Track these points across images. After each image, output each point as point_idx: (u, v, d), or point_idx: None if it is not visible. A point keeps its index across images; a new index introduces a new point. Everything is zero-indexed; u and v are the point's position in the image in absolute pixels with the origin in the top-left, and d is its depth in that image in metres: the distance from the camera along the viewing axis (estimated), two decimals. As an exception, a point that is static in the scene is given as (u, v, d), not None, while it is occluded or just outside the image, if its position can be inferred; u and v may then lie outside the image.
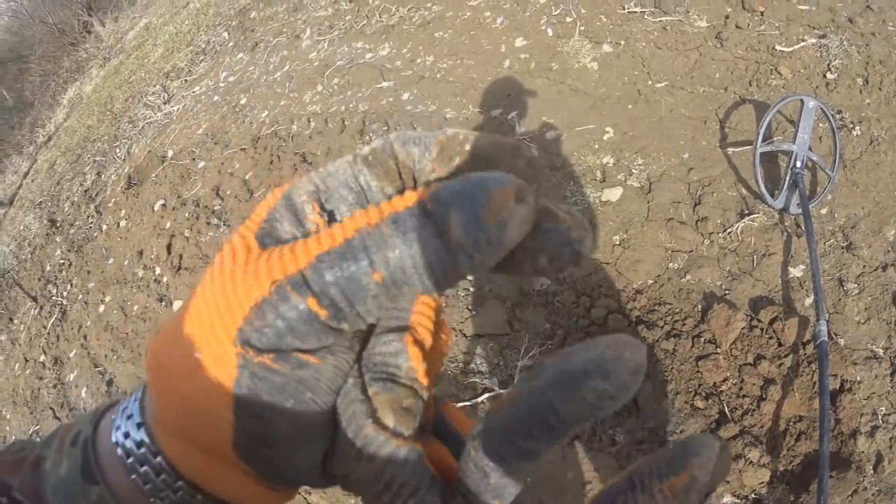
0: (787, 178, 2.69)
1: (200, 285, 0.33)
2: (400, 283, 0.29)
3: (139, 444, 0.36)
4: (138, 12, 10.52)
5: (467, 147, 0.32)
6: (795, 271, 2.57)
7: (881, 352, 2.36)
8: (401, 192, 0.33)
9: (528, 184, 0.28)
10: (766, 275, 2.58)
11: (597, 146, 3.12)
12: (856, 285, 2.50)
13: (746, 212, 2.73)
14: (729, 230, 2.70)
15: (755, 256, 2.63)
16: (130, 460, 0.36)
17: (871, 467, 2.13)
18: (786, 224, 2.70)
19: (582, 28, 3.66)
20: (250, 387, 0.31)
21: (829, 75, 3.14)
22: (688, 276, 2.63)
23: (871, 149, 2.82)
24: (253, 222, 0.34)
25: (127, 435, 0.37)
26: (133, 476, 0.36)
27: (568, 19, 3.71)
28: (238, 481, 0.36)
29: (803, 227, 2.54)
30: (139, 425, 0.37)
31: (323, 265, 0.29)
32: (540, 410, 0.29)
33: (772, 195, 2.71)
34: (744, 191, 2.81)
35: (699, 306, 2.55)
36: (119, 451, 0.37)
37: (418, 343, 0.35)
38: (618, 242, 2.79)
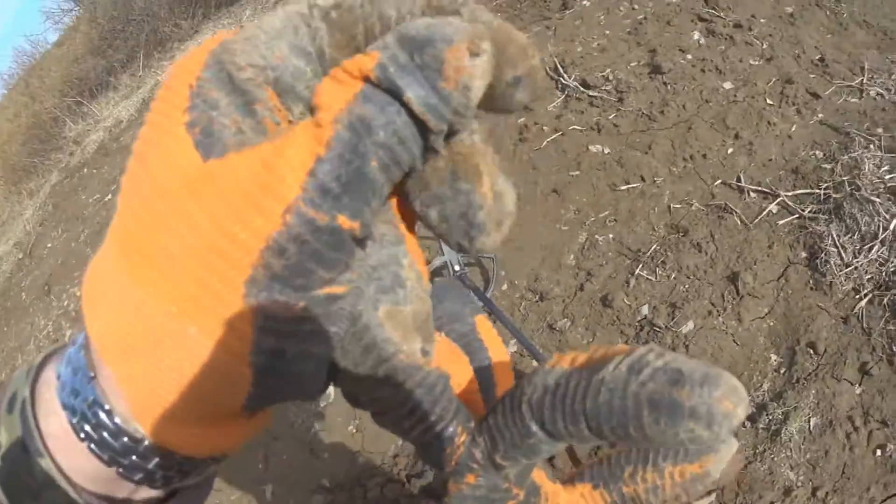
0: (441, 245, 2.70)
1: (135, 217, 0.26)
2: (397, 160, 0.25)
3: (92, 404, 0.29)
4: None
5: (465, 15, 0.27)
6: (510, 348, 2.53)
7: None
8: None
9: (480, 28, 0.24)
10: None
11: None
12: (566, 319, 2.52)
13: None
14: (434, 355, 2.59)
15: (467, 359, 2.52)
16: (82, 424, 0.29)
17: None
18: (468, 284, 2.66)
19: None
20: (272, 347, 0.26)
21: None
22: None
23: (518, 209, 2.92)
24: (174, 109, 0.26)
25: (76, 393, 0.29)
26: (87, 443, 0.29)
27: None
28: (222, 431, 0.30)
29: (493, 314, 2.52)
30: (91, 378, 0.29)
31: (325, 169, 0.25)
32: (625, 417, 0.27)
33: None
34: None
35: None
36: (66, 414, 0.30)
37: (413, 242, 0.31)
38: (354, 430, 2.61)
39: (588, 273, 2.63)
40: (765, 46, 3.40)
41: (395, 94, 0.24)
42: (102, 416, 0.29)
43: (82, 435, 0.29)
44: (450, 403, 0.32)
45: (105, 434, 0.29)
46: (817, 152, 2.87)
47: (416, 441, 0.32)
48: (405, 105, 0.24)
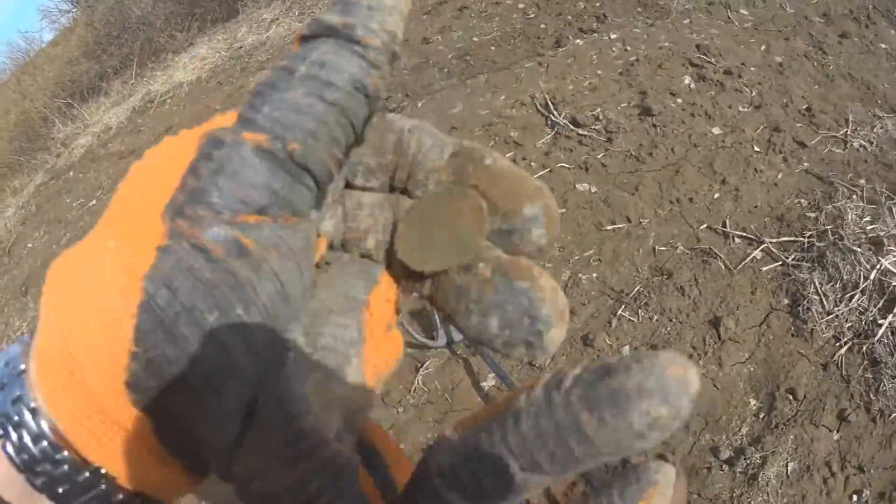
0: (436, 317, 2.70)
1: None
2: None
3: (17, 400, 0.26)
4: None
5: (487, 162, 0.29)
6: (488, 383, 2.55)
7: None
8: (383, 174, 0.31)
9: None
10: (465, 402, 2.52)
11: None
12: (546, 357, 2.49)
13: (419, 364, 2.68)
14: (413, 388, 2.60)
15: (447, 395, 2.55)
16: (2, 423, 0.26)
17: None
18: (458, 353, 2.67)
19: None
20: (168, 282, 0.24)
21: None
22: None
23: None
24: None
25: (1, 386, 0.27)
26: (4, 443, 0.26)
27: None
28: (134, 449, 0.26)
29: (473, 348, 2.54)
30: (21, 372, 0.27)
31: (257, 99, 0.26)
32: (562, 436, 0.22)
33: (432, 339, 2.69)
34: (409, 350, 2.76)
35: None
36: None
37: (370, 335, 0.29)
38: None
39: (570, 311, 2.65)
40: (754, 94, 3.48)
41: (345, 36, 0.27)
42: (27, 416, 0.26)
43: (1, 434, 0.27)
44: (358, 499, 0.27)
45: (25, 435, 0.26)
46: (802, 200, 2.92)
47: None
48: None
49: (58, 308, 0.26)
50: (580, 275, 2.76)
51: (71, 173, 6.12)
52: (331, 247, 0.32)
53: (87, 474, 0.27)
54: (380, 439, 0.34)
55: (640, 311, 2.58)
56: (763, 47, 3.87)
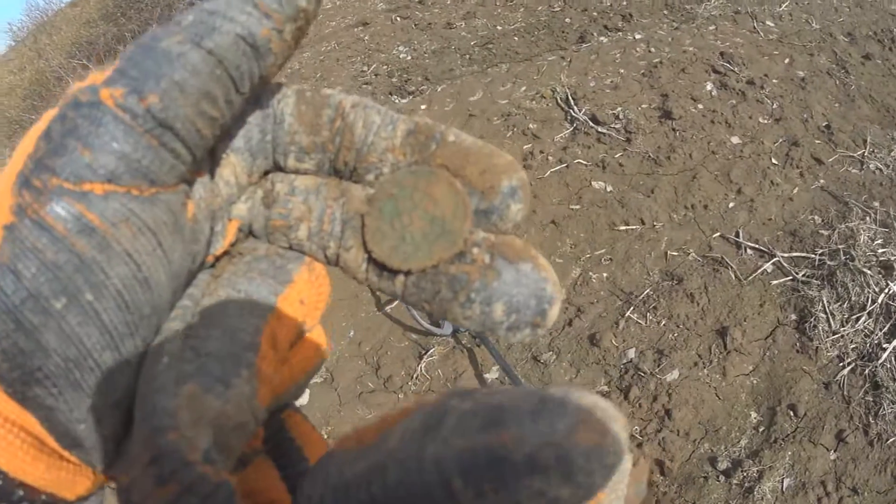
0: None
1: None
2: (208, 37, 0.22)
3: None
4: None
5: (451, 139, 0.26)
6: (491, 374, 2.49)
7: (605, 388, 2.39)
8: (319, 153, 0.27)
9: None
10: None
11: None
12: (551, 353, 2.47)
13: (423, 352, 2.63)
14: (415, 375, 2.54)
15: (449, 383, 2.51)
16: None
17: (658, 475, 2.17)
18: (463, 342, 2.63)
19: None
20: (13, 265, 0.21)
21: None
22: None
23: (518, 235, 2.88)
24: None
25: None
26: None
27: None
28: (23, 445, 0.23)
29: (478, 338, 2.48)
30: None
31: (132, 51, 0.22)
32: (430, 495, 0.18)
33: (438, 326, 2.63)
34: (414, 336, 2.71)
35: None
36: None
37: (272, 343, 0.25)
38: (325, 437, 2.48)
39: (578, 309, 2.58)
40: (775, 106, 3.40)
41: None
42: None
43: None
44: None
45: None
46: (816, 217, 2.86)
47: None
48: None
49: None
50: (590, 273, 2.70)
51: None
52: (253, 235, 0.29)
53: None
54: (303, 434, 0.32)
55: (648, 314, 2.52)
56: (787, 60, 3.78)
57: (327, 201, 0.27)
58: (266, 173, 0.29)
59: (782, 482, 2.13)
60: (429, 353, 2.60)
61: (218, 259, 0.28)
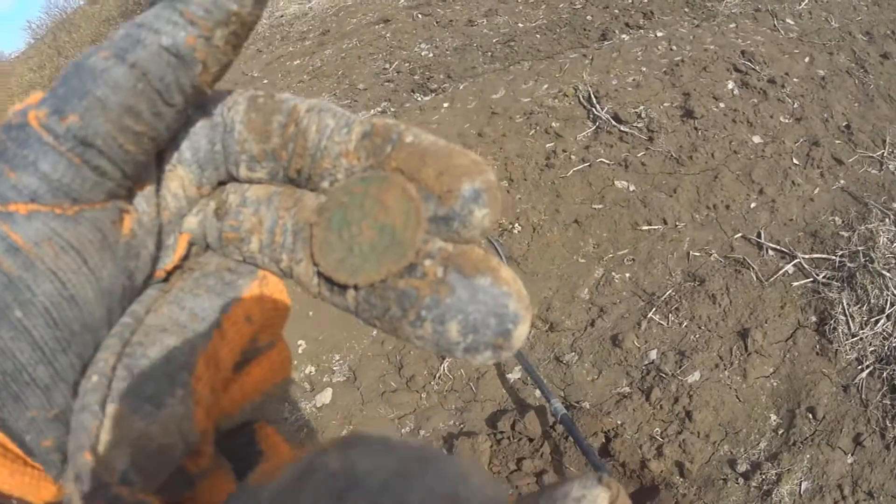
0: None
1: None
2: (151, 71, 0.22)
3: None
4: None
5: (409, 139, 0.24)
6: (514, 375, 2.49)
7: (627, 389, 2.36)
8: (271, 161, 0.25)
9: None
10: (489, 392, 2.46)
11: (295, 361, 2.90)
12: (573, 353, 2.46)
13: None
14: (438, 375, 2.55)
15: (472, 383, 2.49)
16: None
17: (678, 477, 2.13)
18: None
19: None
20: None
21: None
22: (422, 432, 2.41)
23: (536, 235, 2.88)
24: None
25: None
26: None
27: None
28: None
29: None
30: None
31: (65, 72, 0.22)
32: None
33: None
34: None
35: (443, 450, 2.30)
36: None
37: (213, 362, 0.24)
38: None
39: (601, 309, 2.58)
40: (796, 106, 3.36)
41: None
42: None
43: None
44: None
45: None
46: (836, 218, 2.83)
47: None
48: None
49: None
50: (613, 273, 2.69)
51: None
52: (209, 248, 0.28)
53: None
54: (272, 446, 0.30)
55: (670, 315, 2.51)
56: (807, 59, 3.73)
57: (279, 212, 0.26)
58: (222, 184, 0.28)
59: (800, 485, 2.13)
60: (451, 352, 2.60)
61: (170, 274, 0.27)
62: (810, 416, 2.27)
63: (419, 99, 4.06)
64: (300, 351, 2.93)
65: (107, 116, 0.21)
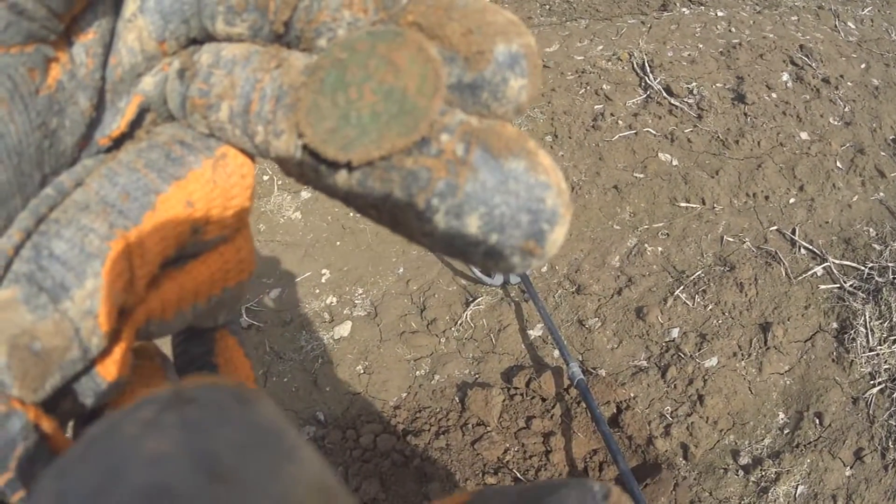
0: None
1: None
2: None
3: None
4: None
5: None
6: (535, 332, 2.23)
7: (644, 363, 2.13)
8: (255, 13, 0.19)
9: None
10: (508, 347, 2.21)
11: (317, 290, 2.65)
12: (597, 319, 2.20)
13: (471, 299, 2.37)
14: (460, 322, 2.30)
15: (492, 335, 2.25)
16: None
17: (681, 459, 1.93)
18: (511, 295, 2.37)
19: (279, 182, 3.29)
20: None
21: (513, 152, 2.94)
22: (436, 377, 2.19)
23: (574, 195, 2.60)
24: None
25: None
26: None
27: (265, 178, 3.35)
28: None
29: (528, 293, 2.21)
30: None
31: None
32: None
33: (489, 275, 2.38)
34: (463, 282, 2.45)
35: (456, 399, 2.09)
36: None
37: (137, 252, 0.18)
38: (362, 371, 2.28)
39: (629, 279, 2.31)
40: (846, 109, 3.02)
41: None
42: None
43: None
44: (26, 450, 0.16)
45: None
46: (871, 230, 2.54)
47: None
48: None
49: None
50: (646, 245, 2.41)
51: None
52: (171, 117, 0.21)
53: None
54: (230, 360, 0.25)
55: (696, 296, 2.25)
56: (863, 65, 3.37)
57: (258, 73, 0.18)
58: (194, 42, 0.20)
59: (796, 488, 1.92)
60: (476, 301, 2.34)
61: (118, 143, 0.20)
62: (817, 421, 2.04)
63: (472, 38, 3.70)
64: (323, 280, 2.69)
65: None
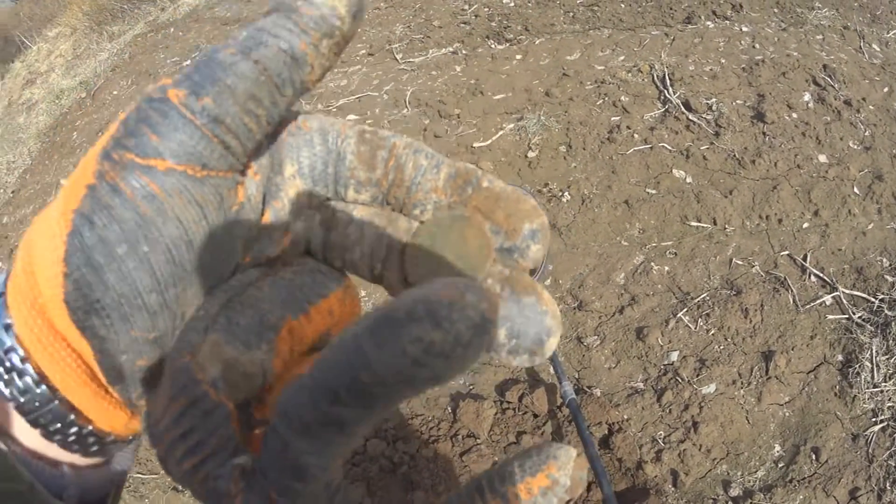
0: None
1: None
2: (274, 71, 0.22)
3: (7, 351, 0.24)
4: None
5: (485, 184, 0.25)
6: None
7: (641, 385, 1.94)
8: (374, 187, 0.26)
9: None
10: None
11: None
12: (596, 337, 2.01)
13: None
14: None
15: (492, 340, 2.05)
16: None
17: (670, 485, 1.76)
18: None
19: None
20: (90, 216, 0.21)
21: (530, 154, 2.73)
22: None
23: (584, 208, 2.39)
24: None
25: None
26: (7, 390, 0.23)
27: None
28: (78, 374, 0.24)
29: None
30: (6, 327, 0.24)
31: (195, 60, 0.22)
32: (351, 364, 0.17)
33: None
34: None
35: (448, 408, 1.93)
36: None
37: (296, 335, 0.24)
38: None
39: (633, 298, 2.11)
40: (867, 134, 2.76)
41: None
42: (16, 360, 0.24)
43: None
44: (227, 440, 0.21)
45: (16, 377, 0.23)
46: (884, 260, 2.30)
47: (187, 479, 0.21)
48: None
49: (27, 236, 0.24)
50: (652, 263, 2.20)
51: (171, 29, 5.20)
52: (309, 252, 0.27)
53: (72, 417, 0.24)
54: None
55: (699, 319, 2.04)
56: (886, 89, 3.08)
57: (378, 230, 0.26)
58: (327, 201, 0.27)
59: (788, 524, 1.73)
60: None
61: (271, 262, 0.26)
62: (813, 456, 1.84)
63: (493, 46, 3.46)
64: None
65: (235, 100, 0.22)
